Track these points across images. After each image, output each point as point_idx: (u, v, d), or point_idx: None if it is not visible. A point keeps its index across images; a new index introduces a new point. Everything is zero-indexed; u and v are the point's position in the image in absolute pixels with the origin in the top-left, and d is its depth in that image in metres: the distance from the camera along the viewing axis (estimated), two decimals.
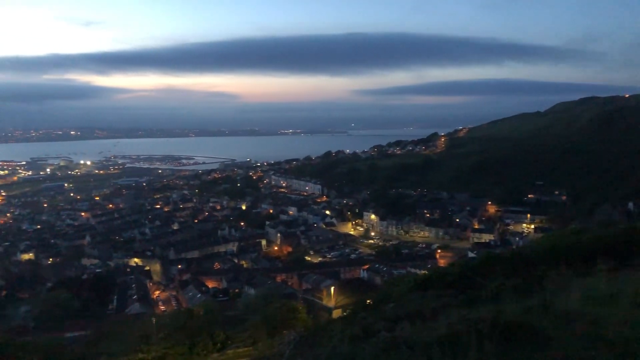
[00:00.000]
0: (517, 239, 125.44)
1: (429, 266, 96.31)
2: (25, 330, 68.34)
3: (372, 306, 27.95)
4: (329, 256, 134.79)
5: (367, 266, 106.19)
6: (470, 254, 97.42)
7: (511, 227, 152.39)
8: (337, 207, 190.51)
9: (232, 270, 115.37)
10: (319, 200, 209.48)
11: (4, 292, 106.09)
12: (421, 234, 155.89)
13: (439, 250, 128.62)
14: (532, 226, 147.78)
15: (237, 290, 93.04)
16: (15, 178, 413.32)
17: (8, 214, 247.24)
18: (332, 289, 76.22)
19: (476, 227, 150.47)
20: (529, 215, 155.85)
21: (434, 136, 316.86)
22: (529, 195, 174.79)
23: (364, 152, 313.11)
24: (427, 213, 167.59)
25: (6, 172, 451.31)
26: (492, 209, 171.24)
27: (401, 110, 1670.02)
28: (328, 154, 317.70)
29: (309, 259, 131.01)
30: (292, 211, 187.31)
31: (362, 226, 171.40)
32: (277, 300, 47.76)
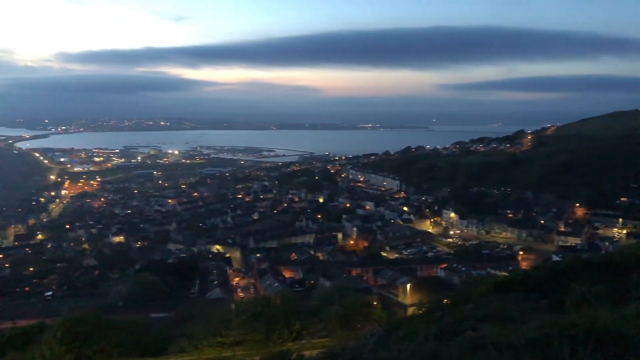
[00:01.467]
0: (607, 244, 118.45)
1: (510, 268, 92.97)
2: (114, 308, 72.69)
3: (449, 306, 27.39)
4: (406, 253, 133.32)
5: (444, 265, 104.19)
6: (555, 258, 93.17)
7: (600, 232, 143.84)
8: (415, 203, 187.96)
9: (308, 261, 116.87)
10: (396, 196, 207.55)
11: (96, 272, 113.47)
12: (503, 235, 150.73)
13: (521, 252, 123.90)
14: (624, 231, 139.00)
15: (312, 282, 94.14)
16: (109, 165, 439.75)
17: (102, 199, 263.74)
18: (408, 286, 75.33)
19: (562, 229, 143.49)
20: (620, 220, 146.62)
21: (520, 134, 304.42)
22: (622, 199, 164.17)
23: (445, 148, 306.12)
24: (510, 213, 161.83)
25: (101, 159, 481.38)
26: (580, 211, 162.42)
27: (486, 106, 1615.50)
28: (407, 149, 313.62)
29: (385, 254, 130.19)
30: (369, 206, 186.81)
31: (440, 224, 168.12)
32: (352, 294, 47.85)
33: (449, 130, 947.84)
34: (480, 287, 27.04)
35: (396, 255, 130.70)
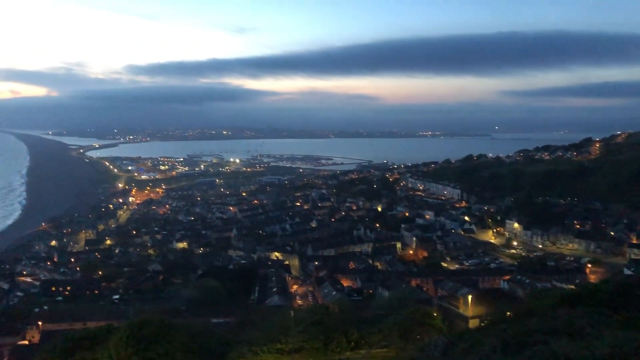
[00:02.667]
0: None
1: (577, 281, 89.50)
2: (177, 312, 74.74)
3: (513, 319, 26.55)
4: (467, 264, 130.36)
5: (507, 277, 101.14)
6: (627, 271, 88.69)
7: None
8: (477, 213, 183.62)
9: (366, 270, 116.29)
10: (457, 206, 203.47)
11: (161, 277, 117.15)
12: (569, 246, 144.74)
13: (589, 265, 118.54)
14: None
15: (371, 291, 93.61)
16: (174, 173, 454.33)
17: (167, 206, 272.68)
18: (470, 297, 73.61)
19: (634, 241, 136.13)
20: None
21: (588, 141, 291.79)
22: None
23: (508, 156, 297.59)
24: (577, 224, 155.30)
25: (166, 167, 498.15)
26: None
27: (551, 113, 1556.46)
28: (469, 157, 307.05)
29: (445, 265, 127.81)
30: (428, 215, 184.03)
31: (503, 235, 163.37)
32: (412, 304, 47.24)
33: (512, 138, 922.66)
34: (546, 300, 26.09)
35: (457, 265, 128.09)
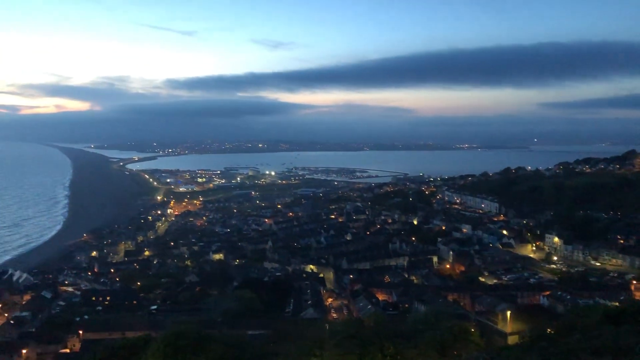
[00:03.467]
0: None
1: (621, 298, 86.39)
2: (213, 323, 75.44)
3: (554, 336, 25.81)
4: (505, 279, 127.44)
5: (547, 292, 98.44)
6: None
7: None
8: (515, 227, 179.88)
9: (402, 284, 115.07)
10: (495, 219, 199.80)
11: (197, 288, 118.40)
12: (613, 262, 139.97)
13: (635, 282, 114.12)
14: None
15: (406, 305, 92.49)
16: (211, 185, 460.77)
17: (204, 217, 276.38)
18: (508, 313, 71.83)
19: None
20: None
21: (632, 154, 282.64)
22: None
23: (547, 169, 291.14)
24: (621, 239, 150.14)
25: (204, 179, 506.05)
26: None
27: (592, 125, 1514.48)
28: (507, 170, 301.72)
29: (483, 280, 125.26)
30: (465, 229, 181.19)
31: (543, 249, 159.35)
32: (449, 319, 46.47)
33: (552, 150, 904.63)
34: (588, 318, 25.31)
35: (495, 280, 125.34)
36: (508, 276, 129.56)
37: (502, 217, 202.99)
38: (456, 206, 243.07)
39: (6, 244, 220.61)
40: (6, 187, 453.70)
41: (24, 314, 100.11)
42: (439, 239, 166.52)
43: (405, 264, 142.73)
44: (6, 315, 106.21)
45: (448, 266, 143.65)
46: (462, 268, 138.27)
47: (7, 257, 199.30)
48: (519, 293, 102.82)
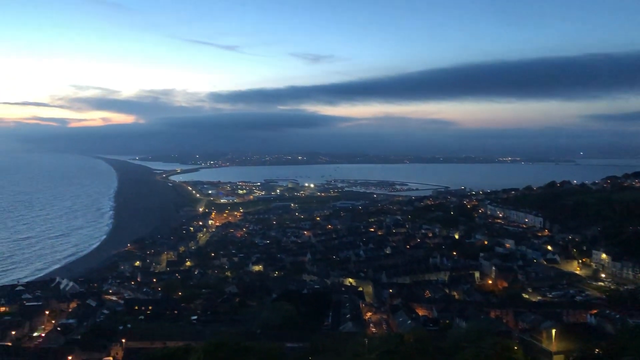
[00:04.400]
0: None
1: None
2: (252, 335, 75.79)
3: (602, 356, 24.87)
4: (550, 296, 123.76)
5: (595, 311, 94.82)
6: None
7: None
8: (560, 242, 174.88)
9: (443, 300, 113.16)
10: (539, 234, 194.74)
11: (237, 299, 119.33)
12: None
13: None
14: None
15: (447, 321, 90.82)
16: (252, 197, 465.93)
17: (244, 229, 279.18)
18: (553, 331, 69.64)
19: None
20: None
21: None
22: None
23: (594, 183, 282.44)
24: None
25: (244, 191, 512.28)
26: None
27: None
28: (551, 184, 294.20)
29: (527, 296, 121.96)
30: (508, 244, 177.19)
31: (589, 266, 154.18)
32: (491, 336, 45.39)
33: (599, 164, 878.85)
34: (639, 338, 24.25)
35: (539, 297, 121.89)
36: (553, 293, 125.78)
37: (546, 232, 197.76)
38: (499, 220, 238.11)
39: (56, 253, 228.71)
40: (57, 198, 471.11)
41: (70, 321, 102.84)
42: (481, 254, 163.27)
43: (446, 278, 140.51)
44: (53, 322, 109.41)
45: (490, 282, 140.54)
46: (505, 284, 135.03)
47: (57, 266, 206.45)
48: (564, 311, 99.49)
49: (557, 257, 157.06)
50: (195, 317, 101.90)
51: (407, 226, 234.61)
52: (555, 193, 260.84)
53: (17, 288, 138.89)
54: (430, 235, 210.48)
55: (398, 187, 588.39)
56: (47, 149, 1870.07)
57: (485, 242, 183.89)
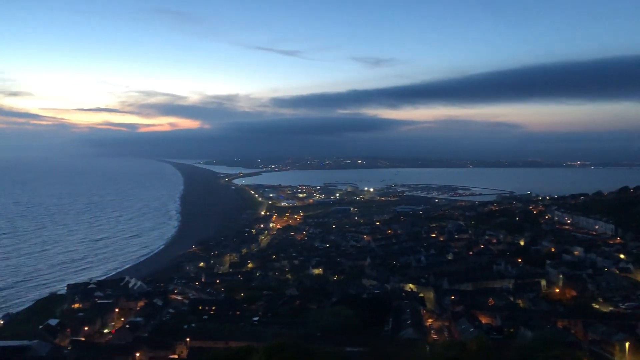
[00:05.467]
0: None
1: None
2: (312, 338, 76.26)
3: None
4: (623, 306, 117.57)
5: None
6: None
7: None
8: (634, 250, 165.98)
9: (507, 308, 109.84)
10: (610, 242, 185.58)
11: (297, 302, 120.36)
12: None
13: None
14: None
15: (512, 330, 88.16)
16: (311, 201, 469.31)
17: (304, 232, 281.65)
18: (627, 344, 66.33)
19: None
20: None
21: None
22: None
23: None
24: None
25: (304, 195, 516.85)
26: None
27: None
28: (624, 189, 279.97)
29: (597, 306, 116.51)
30: (577, 251, 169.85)
31: None
32: (559, 347, 43.77)
33: None
34: None
35: (611, 308, 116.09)
36: (626, 304, 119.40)
37: (618, 240, 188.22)
38: (567, 227, 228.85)
39: (128, 254, 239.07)
40: (128, 200, 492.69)
41: (138, 319, 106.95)
42: (548, 262, 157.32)
43: (511, 286, 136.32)
44: (122, 319, 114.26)
45: (557, 290, 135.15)
46: (574, 293, 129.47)
47: (127, 266, 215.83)
48: (638, 323, 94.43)
49: (630, 266, 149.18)
50: (256, 319, 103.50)
51: (469, 232, 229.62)
52: (628, 199, 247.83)
53: (90, 286, 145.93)
54: (494, 241, 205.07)
55: (460, 191, 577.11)
56: (117, 153, 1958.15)
57: (552, 249, 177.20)
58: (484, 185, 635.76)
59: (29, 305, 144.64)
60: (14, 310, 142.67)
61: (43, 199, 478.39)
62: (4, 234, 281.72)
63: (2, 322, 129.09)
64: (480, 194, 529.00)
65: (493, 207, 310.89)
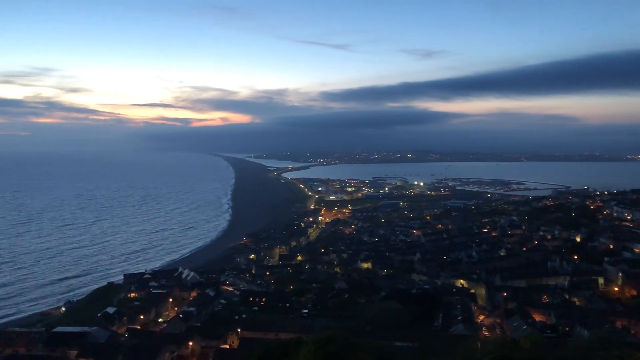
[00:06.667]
0: None
1: None
2: (361, 331, 76.29)
3: None
4: None
5: None
6: None
7: None
8: None
9: (562, 305, 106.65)
10: None
11: (346, 295, 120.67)
12: None
13: None
14: None
15: (567, 329, 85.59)
16: (360, 194, 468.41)
17: (353, 226, 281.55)
18: None
19: None
20: None
21: None
22: None
23: None
24: None
25: (353, 189, 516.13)
26: None
27: None
28: None
29: None
30: (638, 249, 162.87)
31: None
32: (617, 347, 42.13)
33: None
34: None
35: None
36: None
37: None
38: (626, 223, 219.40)
39: (182, 246, 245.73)
40: (181, 193, 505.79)
41: (191, 309, 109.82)
42: (606, 259, 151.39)
43: (566, 284, 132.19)
44: (176, 309, 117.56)
45: (616, 289, 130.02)
46: (634, 292, 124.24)
47: (184, 255, 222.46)
48: None
49: None
50: (306, 311, 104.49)
51: (523, 227, 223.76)
52: None
53: (145, 276, 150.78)
54: (549, 237, 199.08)
55: (514, 186, 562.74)
56: (171, 147, 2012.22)
57: (611, 246, 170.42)
58: (538, 179, 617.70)
59: (88, 293, 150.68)
60: (75, 298, 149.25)
61: (102, 192, 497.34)
62: (67, 225, 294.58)
63: (64, 308, 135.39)
64: (534, 189, 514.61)
65: (548, 202, 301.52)
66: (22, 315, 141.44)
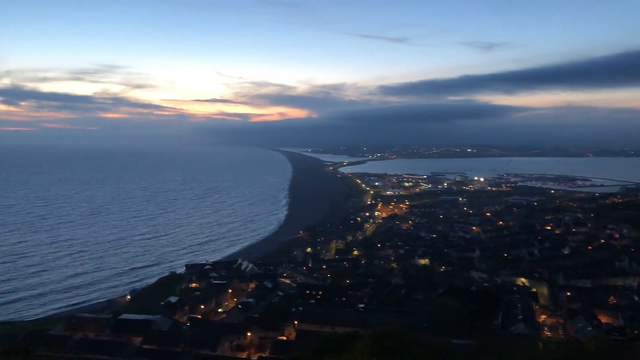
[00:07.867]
0: None
1: None
2: (418, 328, 75.70)
3: None
4: None
5: None
6: None
7: None
8: None
9: (630, 307, 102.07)
10: None
11: (403, 291, 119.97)
12: None
13: None
14: None
15: (635, 332, 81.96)
16: (418, 190, 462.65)
17: (410, 222, 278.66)
18: None
19: None
20: None
21: None
22: None
23: None
24: None
25: (410, 184, 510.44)
26: None
27: None
28: None
29: None
30: None
31: None
32: None
33: None
34: None
35: None
36: None
37: None
38: None
39: (242, 239, 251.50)
40: (242, 186, 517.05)
41: (250, 300, 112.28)
42: None
43: (635, 285, 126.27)
44: (235, 300, 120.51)
45: None
46: None
47: (242, 247, 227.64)
48: None
49: None
50: (362, 306, 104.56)
51: (589, 225, 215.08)
52: None
53: (206, 267, 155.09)
54: (617, 236, 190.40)
55: (579, 182, 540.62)
56: (231, 142, 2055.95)
57: None
58: (605, 176, 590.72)
59: (152, 282, 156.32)
60: (140, 287, 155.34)
61: (166, 185, 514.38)
62: (134, 217, 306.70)
63: (129, 297, 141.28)
64: (601, 185, 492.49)
65: (616, 199, 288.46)
66: (90, 302, 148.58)
